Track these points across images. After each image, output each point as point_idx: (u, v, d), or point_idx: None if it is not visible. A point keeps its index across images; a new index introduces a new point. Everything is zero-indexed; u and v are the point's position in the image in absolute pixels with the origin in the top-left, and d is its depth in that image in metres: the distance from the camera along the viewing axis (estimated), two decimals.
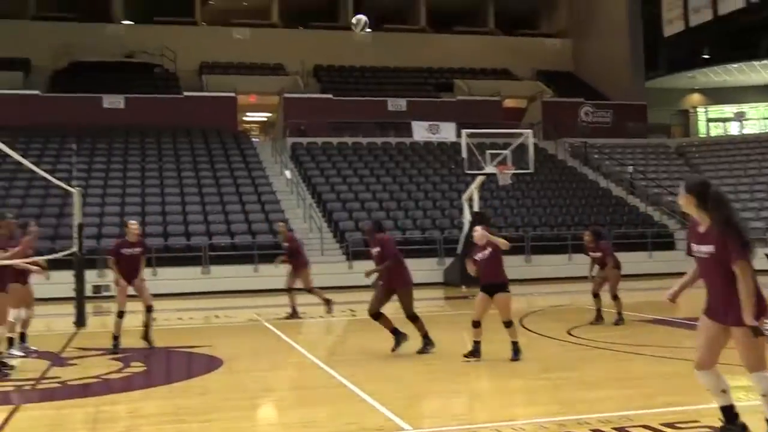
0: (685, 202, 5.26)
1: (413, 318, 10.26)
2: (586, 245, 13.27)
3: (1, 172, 27.33)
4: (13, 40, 34.99)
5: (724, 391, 5.35)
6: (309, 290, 15.14)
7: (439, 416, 7.20)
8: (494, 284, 9.68)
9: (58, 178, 16.27)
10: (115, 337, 11.23)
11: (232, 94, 34.33)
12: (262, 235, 24.74)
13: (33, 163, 12.88)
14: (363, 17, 11.08)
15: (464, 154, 23.15)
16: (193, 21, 39.83)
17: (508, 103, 38.54)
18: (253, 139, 35.71)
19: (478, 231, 9.87)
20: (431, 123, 33.14)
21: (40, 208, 25.36)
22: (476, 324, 9.69)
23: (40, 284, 20.49)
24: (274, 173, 30.23)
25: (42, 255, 17.05)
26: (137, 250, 11.28)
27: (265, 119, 40.77)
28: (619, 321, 12.80)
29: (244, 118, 39.25)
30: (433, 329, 10.62)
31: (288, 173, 29.98)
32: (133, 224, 11.31)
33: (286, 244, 15.54)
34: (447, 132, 32.81)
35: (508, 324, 9.67)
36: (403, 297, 10.25)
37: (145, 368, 9.92)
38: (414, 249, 24.88)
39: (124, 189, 27.56)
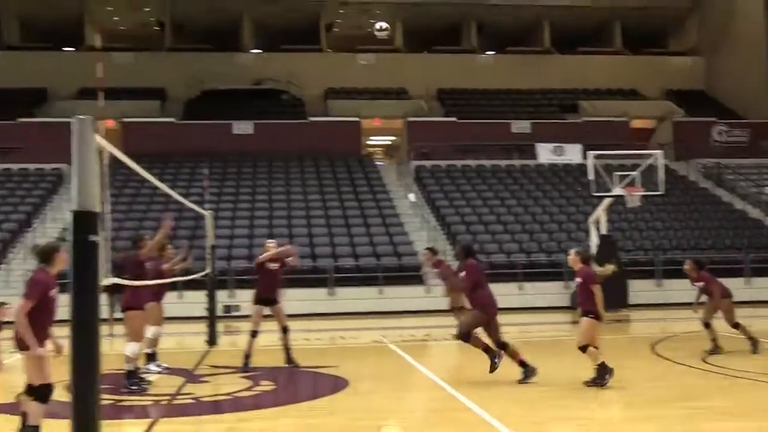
0: None
1: (464, 337, 9.90)
2: (688, 274, 12.78)
3: (139, 196, 28.59)
4: (151, 71, 36.73)
5: None
6: (451, 309, 14.94)
7: None
8: (583, 310, 9.54)
9: (191, 202, 16.82)
10: (246, 356, 11.46)
11: (357, 119, 34.84)
12: (387, 257, 24.87)
13: (168, 187, 13.38)
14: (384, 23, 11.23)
15: (591, 175, 22.63)
16: (318, 48, 40.70)
17: (636, 123, 37.51)
18: (378, 163, 36.08)
19: (570, 255, 9.79)
20: (556, 145, 32.67)
21: (174, 231, 26.28)
22: (582, 349, 9.51)
23: (173, 303, 21.17)
24: (398, 196, 30.42)
25: (178, 276, 17.68)
26: (275, 266, 11.77)
27: (389, 143, 41.15)
28: (755, 349, 12.15)
29: (369, 142, 39.73)
30: (560, 354, 10.36)
31: (412, 196, 30.10)
32: (271, 243, 12.12)
33: (435, 270, 15.25)
34: (572, 154, 32.25)
35: (581, 348, 9.46)
36: (469, 316, 10.12)
37: (274, 387, 10.07)
38: (540, 272, 24.52)
39: (253, 212, 28.32)
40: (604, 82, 39.91)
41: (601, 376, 9.26)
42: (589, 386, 9.27)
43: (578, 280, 9.65)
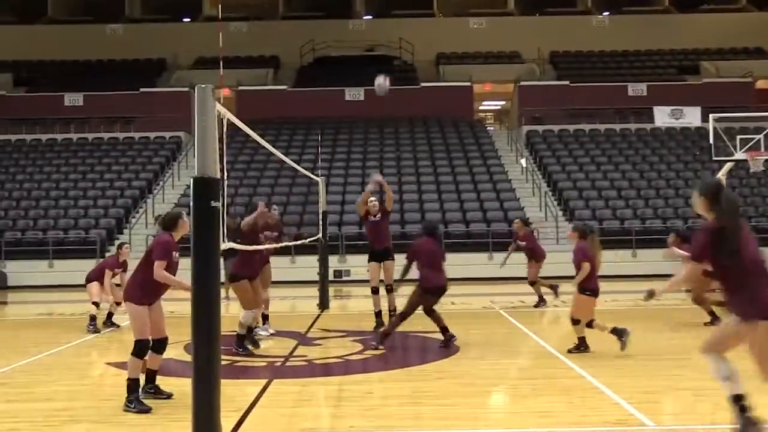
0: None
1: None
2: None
3: (253, 163, 29.30)
4: (264, 39, 37.41)
5: None
6: (532, 283, 15.20)
7: (684, 414, 6.86)
8: (579, 286, 9.73)
9: (304, 168, 17.13)
10: (377, 314, 12.05)
11: (468, 84, 34.59)
12: (497, 223, 24.74)
13: (281, 153, 13.67)
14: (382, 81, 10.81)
15: (711, 139, 21.85)
16: (430, 13, 40.50)
17: (762, 84, 35.86)
18: (489, 128, 35.74)
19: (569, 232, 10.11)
20: (674, 108, 31.51)
21: (287, 196, 26.92)
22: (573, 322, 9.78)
23: (286, 267, 21.72)
24: (510, 162, 30.14)
25: (289, 241, 18.10)
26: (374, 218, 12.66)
27: (501, 107, 40.70)
28: None
29: (480, 107, 39.39)
30: (674, 323, 10.13)
31: (523, 161, 29.77)
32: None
33: (523, 243, 15.61)
34: (691, 117, 31.04)
35: (573, 321, 9.72)
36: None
37: (384, 351, 10.24)
38: (655, 239, 23.89)
39: (364, 178, 28.58)
40: (726, 41, 38.24)
41: (578, 347, 9.59)
42: (570, 352, 9.53)
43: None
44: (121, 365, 9.24)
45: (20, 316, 17.33)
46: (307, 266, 19.66)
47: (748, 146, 21.67)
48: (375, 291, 12.21)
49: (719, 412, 6.76)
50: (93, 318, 12.45)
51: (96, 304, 12.49)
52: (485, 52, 38.65)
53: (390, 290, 12.03)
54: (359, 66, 36.42)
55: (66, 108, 33.46)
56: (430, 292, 10.27)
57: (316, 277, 15.93)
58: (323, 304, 15.24)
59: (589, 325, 9.55)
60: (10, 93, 34.93)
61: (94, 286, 12.57)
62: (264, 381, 8.15)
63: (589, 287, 9.49)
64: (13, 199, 27.25)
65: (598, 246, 9.69)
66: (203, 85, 5.20)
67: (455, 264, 23.47)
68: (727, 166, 22.15)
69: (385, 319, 11.88)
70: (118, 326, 12.54)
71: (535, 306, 15.10)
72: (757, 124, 23.39)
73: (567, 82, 34.42)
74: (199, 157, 5.09)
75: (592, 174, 28.40)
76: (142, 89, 33.59)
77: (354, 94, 33.93)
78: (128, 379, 7.04)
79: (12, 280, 23.17)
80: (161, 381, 8.14)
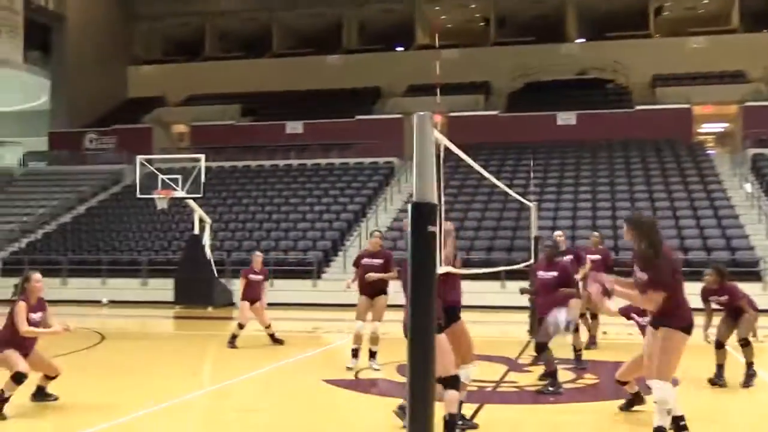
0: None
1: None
2: None
3: (465, 187, 29.53)
4: (475, 65, 37.75)
5: None
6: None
7: None
8: None
9: (515, 192, 17.06)
10: (577, 350, 11.14)
11: (687, 106, 33.16)
12: (718, 251, 23.41)
13: (493, 177, 13.70)
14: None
15: None
16: (646, 34, 39.26)
17: None
18: (709, 151, 34.03)
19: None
20: None
21: (497, 221, 26.89)
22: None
23: (496, 292, 21.64)
24: (733, 186, 28.49)
25: (496, 266, 18.07)
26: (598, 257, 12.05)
27: (723, 130, 38.63)
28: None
29: (699, 130, 37.60)
30: None
31: (748, 186, 28.05)
32: (595, 236, 12.59)
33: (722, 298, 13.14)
34: None
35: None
36: None
37: (598, 381, 9.96)
38: None
39: (576, 203, 28.06)
40: None
41: None
42: None
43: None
44: (338, 382, 9.54)
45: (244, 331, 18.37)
46: (516, 291, 19.47)
47: None
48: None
49: None
50: None
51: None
52: (705, 72, 36.85)
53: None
54: (571, 90, 35.90)
55: (287, 135, 35.39)
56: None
57: (527, 303, 15.76)
58: (534, 330, 15.02)
59: None
60: (238, 122, 37.44)
61: None
62: (475, 405, 8.16)
63: None
64: (239, 222, 29.04)
65: None
66: (422, 113, 5.32)
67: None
68: None
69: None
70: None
71: None
72: None
73: None
74: (418, 182, 5.20)
75: None
76: (357, 116, 34.86)
77: (566, 118, 33.45)
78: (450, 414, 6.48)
79: (236, 297, 24.60)
80: (375, 400, 8.33)
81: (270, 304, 23.30)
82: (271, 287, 24.64)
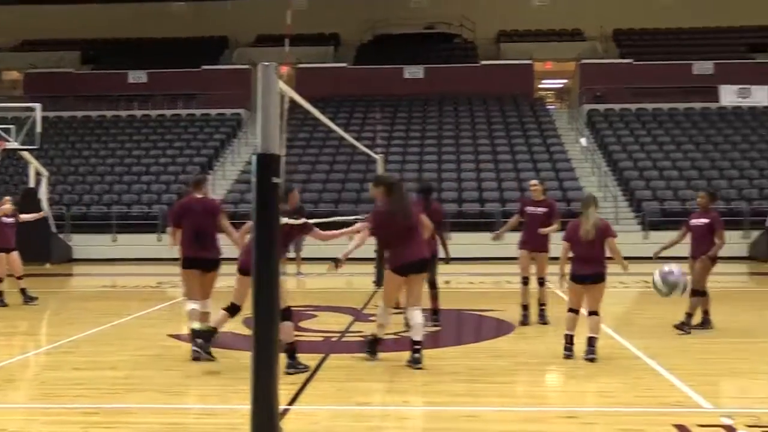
0: None
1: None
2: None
3: (312, 140, 29.48)
4: (324, 17, 37.41)
5: None
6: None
7: (742, 397, 6.78)
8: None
9: (363, 145, 17.19)
10: (524, 306, 10.64)
11: (529, 62, 34.24)
12: (556, 202, 24.50)
13: (340, 130, 13.76)
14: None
15: None
16: None
17: None
18: (549, 107, 35.35)
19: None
20: (741, 87, 30.82)
21: (345, 174, 27.06)
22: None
23: (342, 245, 21.83)
24: (570, 141, 29.82)
25: (346, 217, 18.23)
26: (540, 210, 10.63)
27: (562, 86, 40.19)
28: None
29: (540, 86, 38.94)
30: (733, 306, 9.98)
31: (583, 141, 29.42)
32: (534, 183, 10.89)
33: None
34: (760, 96, 30.38)
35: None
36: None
37: (440, 328, 10.28)
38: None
39: (422, 156, 28.59)
40: None
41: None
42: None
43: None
44: (181, 336, 9.47)
45: (85, 287, 17.82)
46: (365, 243, 19.74)
47: None
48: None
49: None
50: None
51: None
52: (547, 29, 38.11)
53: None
54: (419, 43, 36.28)
55: (130, 85, 34.09)
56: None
57: (373, 255, 16.00)
58: (379, 281, 15.31)
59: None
60: (77, 70, 35.69)
61: None
62: (320, 356, 8.27)
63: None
64: (79, 174, 27.91)
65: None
66: (266, 63, 5.27)
67: (512, 243, 23.46)
68: None
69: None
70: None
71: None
72: None
73: (630, 61, 33.83)
74: (262, 133, 5.17)
75: (653, 154, 27.94)
76: (204, 66, 33.99)
77: (413, 71, 33.85)
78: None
79: (77, 253, 23.78)
80: (221, 353, 8.31)
81: (114, 259, 22.81)
82: (114, 242, 24.00)
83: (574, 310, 8.17)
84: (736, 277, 18.47)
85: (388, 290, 8.00)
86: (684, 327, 9.44)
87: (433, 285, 10.38)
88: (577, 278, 8.05)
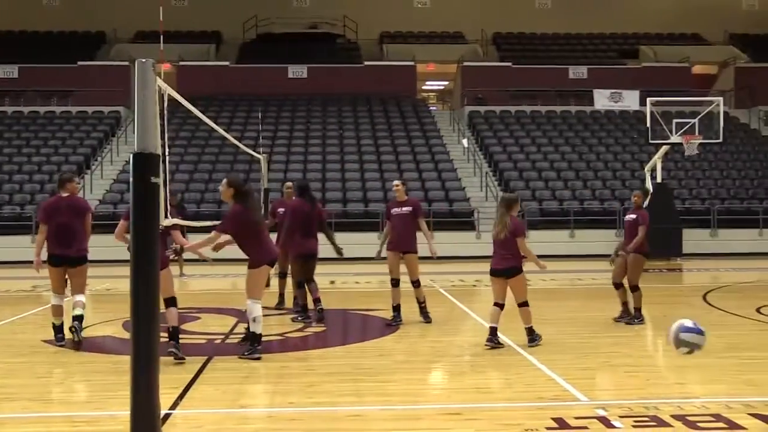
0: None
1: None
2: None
3: (194, 139, 28.97)
4: (206, 14, 36.84)
5: None
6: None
7: (617, 389, 7.05)
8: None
9: (246, 145, 17.02)
10: (395, 308, 10.61)
11: (412, 63, 34.63)
12: (438, 203, 24.93)
13: (223, 130, 13.57)
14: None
15: (648, 122, 22.32)
16: None
17: (697, 69, 36.62)
18: (432, 108, 35.85)
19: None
20: (613, 91, 32.09)
21: (228, 174, 26.67)
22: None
23: (228, 247, 21.50)
24: (452, 141, 30.32)
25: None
26: (405, 209, 10.49)
27: (444, 88, 40.85)
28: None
29: (424, 87, 39.46)
30: (608, 302, 10.36)
31: (465, 141, 29.98)
32: (397, 184, 10.71)
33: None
34: (630, 100, 31.69)
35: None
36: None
37: (324, 329, 10.28)
38: (593, 220, 24.43)
39: (306, 156, 28.51)
40: (665, 26, 38.89)
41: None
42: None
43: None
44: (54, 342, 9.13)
45: None
46: None
47: (683, 130, 22.18)
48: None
49: (649, 387, 6.98)
50: None
51: None
52: (429, 32, 38.70)
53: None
54: (303, 43, 36.15)
55: (0, 80, 32.59)
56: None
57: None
58: (266, 283, 15.18)
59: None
60: None
61: None
62: (204, 358, 8.13)
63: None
64: None
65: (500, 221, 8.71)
66: (143, 60, 5.14)
67: None
68: (663, 149, 22.66)
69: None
70: None
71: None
72: (692, 109, 23.96)
73: (509, 64, 34.69)
74: (139, 132, 5.03)
75: (532, 155, 28.75)
76: (80, 62, 32.85)
77: (297, 71, 33.69)
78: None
79: None
80: (100, 358, 8.07)
81: None
82: None
83: (498, 304, 8.66)
84: (605, 274, 19.16)
85: (259, 285, 8.39)
86: (633, 320, 10.26)
87: (308, 282, 10.64)
88: (492, 272, 8.73)
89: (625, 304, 10.49)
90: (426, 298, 10.79)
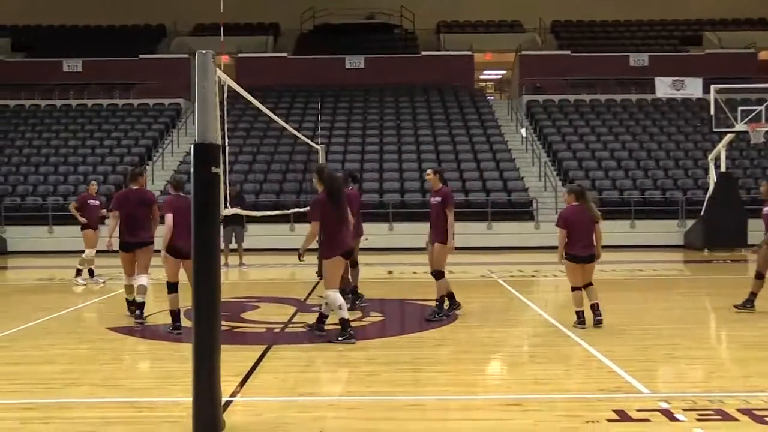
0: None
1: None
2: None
3: (253, 130, 29.23)
4: (264, 6, 37.15)
5: None
6: None
7: (679, 382, 6.92)
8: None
9: (304, 135, 17.11)
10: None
11: (469, 53, 34.42)
12: (496, 192, 24.76)
13: (281, 120, 13.66)
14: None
15: (712, 110, 21.82)
16: None
17: (764, 55, 35.69)
18: (489, 97, 35.60)
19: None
20: (675, 78, 31.40)
21: (286, 164, 26.90)
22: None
23: (285, 235, 21.81)
24: (510, 131, 30.09)
25: (287, 208, 18.15)
26: (435, 199, 10.20)
27: (502, 77, 40.54)
28: None
29: (481, 77, 39.21)
30: (670, 293, 10.18)
31: (523, 131, 29.71)
32: (428, 173, 10.57)
33: None
34: (693, 88, 30.94)
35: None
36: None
37: (383, 318, 10.30)
38: (654, 210, 24.03)
39: (363, 146, 28.57)
40: (730, 11, 38.02)
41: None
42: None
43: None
44: (120, 329, 9.32)
45: (21, 281, 17.39)
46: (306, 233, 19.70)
47: (749, 118, 21.63)
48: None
49: (713, 380, 6.84)
50: None
51: None
52: (487, 21, 38.43)
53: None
54: (360, 34, 36.22)
55: (65, 74, 33.31)
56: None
57: (316, 245, 15.95)
58: (321, 272, 15.27)
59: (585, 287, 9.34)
60: (8, 58, 34.73)
61: None
62: (263, 347, 8.21)
63: (569, 252, 9.19)
64: (13, 165, 27.22)
65: (592, 209, 9.22)
66: (203, 51, 5.19)
67: (456, 233, 23.65)
68: (728, 137, 22.15)
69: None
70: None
71: None
72: (759, 96, 23.33)
73: (568, 52, 34.27)
74: (200, 123, 5.10)
75: (592, 144, 28.36)
76: (141, 55, 33.41)
77: (354, 62, 33.77)
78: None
79: (12, 246, 23.22)
80: (162, 345, 8.21)
81: (50, 252, 22.30)
82: (50, 234, 23.49)
83: (578, 288, 9.30)
84: (673, 265, 18.88)
85: (335, 275, 8.54)
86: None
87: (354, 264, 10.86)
88: (578, 259, 9.23)
89: (753, 293, 10.42)
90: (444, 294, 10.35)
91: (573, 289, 9.33)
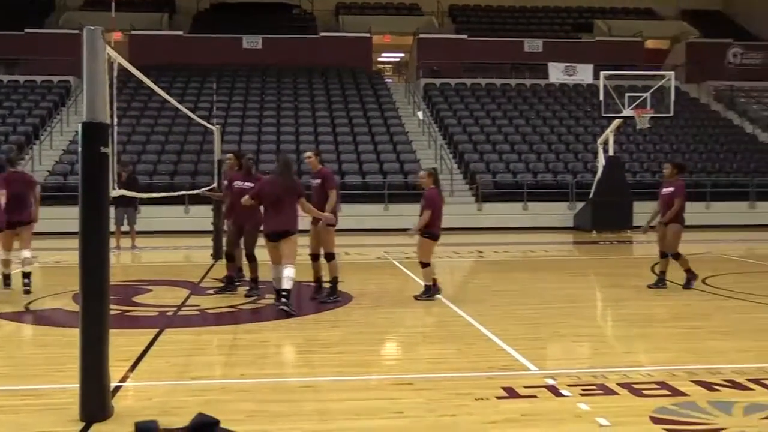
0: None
1: (249, 258, 10.67)
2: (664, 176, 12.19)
3: (147, 110, 28.55)
4: None
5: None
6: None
7: (566, 359, 7.17)
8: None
9: (199, 116, 16.84)
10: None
11: (368, 35, 34.45)
12: (393, 174, 24.95)
13: (176, 101, 13.39)
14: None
15: (601, 96, 22.53)
16: None
17: (650, 44, 37.02)
18: (387, 80, 35.75)
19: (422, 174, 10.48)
20: (568, 64, 32.26)
21: (181, 145, 26.41)
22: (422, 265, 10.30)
23: (180, 217, 21.48)
24: (407, 114, 30.31)
25: (182, 190, 17.84)
26: (316, 181, 10.51)
27: (399, 60, 40.75)
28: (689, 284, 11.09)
29: (379, 59, 39.31)
30: (561, 273, 10.50)
31: (420, 114, 29.99)
32: (308, 155, 10.92)
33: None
34: (584, 74, 31.88)
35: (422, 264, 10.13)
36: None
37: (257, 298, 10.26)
38: (545, 192, 24.66)
39: (260, 127, 28.30)
40: (620, 0, 39.21)
41: (428, 291, 10.09)
42: (417, 299, 10.05)
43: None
44: (3, 315, 9.00)
45: None
46: (201, 216, 19.41)
47: (635, 104, 22.43)
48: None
49: (597, 357, 7.11)
50: None
51: None
52: (385, 3, 38.53)
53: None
54: (258, 13, 35.75)
55: None
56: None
57: (210, 227, 15.78)
58: (217, 254, 15.11)
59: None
60: None
61: None
62: (155, 330, 8.08)
63: (430, 230, 9.94)
64: None
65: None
66: (92, 27, 5.05)
67: (351, 215, 23.71)
68: (616, 122, 22.92)
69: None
70: None
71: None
72: (644, 83, 24.20)
73: (465, 36, 34.70)
74: (88, 101, 4.96)
75: (487, 128, 28.87)
76: (27, 30, 32.10)
77: (251, 42, 33.34)
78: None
79: None
80: (49, 331, 7.99)
81: None
82: None
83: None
84: (563, 246, 19.46)
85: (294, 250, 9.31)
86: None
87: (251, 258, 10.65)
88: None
89: (663, 272, 11.09)
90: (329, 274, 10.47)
91: (427, 265, 9.97)
